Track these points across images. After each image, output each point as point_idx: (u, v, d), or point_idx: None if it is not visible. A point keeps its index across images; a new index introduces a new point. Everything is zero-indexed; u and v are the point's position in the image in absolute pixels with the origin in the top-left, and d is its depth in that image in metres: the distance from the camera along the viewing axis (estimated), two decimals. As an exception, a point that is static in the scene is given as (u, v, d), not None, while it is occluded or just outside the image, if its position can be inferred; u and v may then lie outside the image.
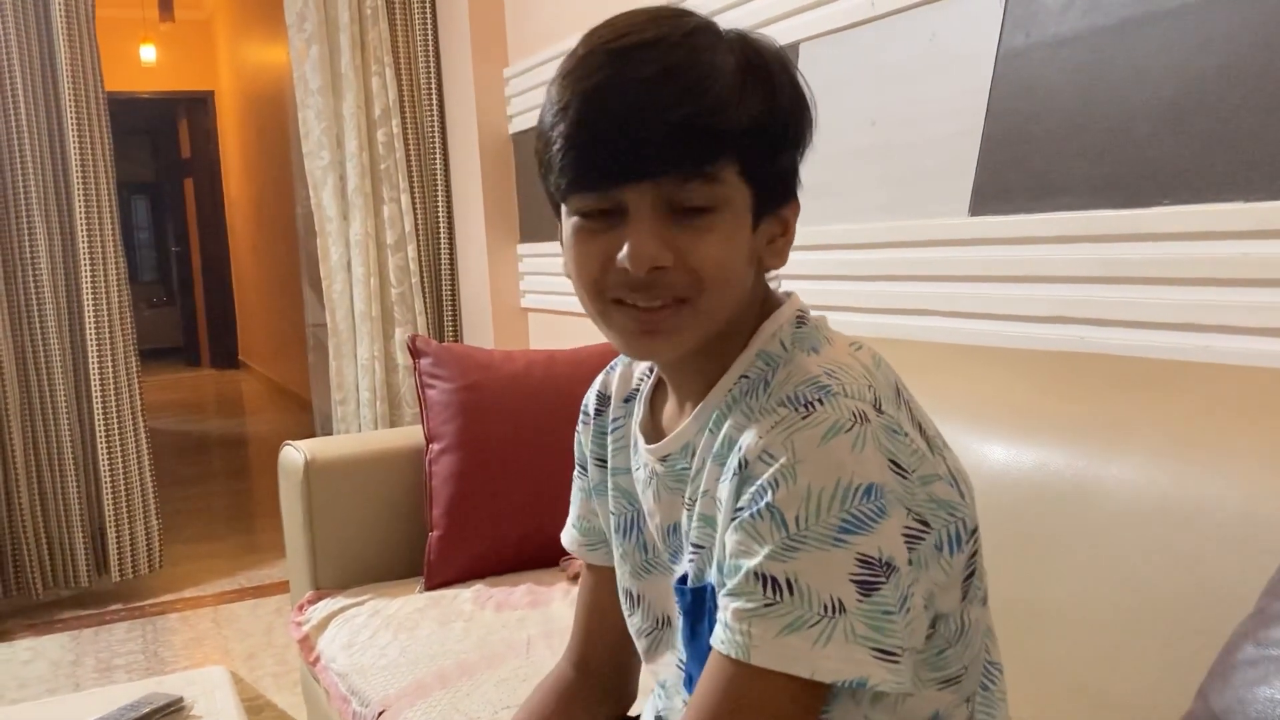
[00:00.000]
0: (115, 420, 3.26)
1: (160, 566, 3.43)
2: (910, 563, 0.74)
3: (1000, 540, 1.19)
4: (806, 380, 0.76)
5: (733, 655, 0.71)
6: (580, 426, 1.04)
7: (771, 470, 0.72)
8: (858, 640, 0.70)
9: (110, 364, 3.24)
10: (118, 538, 3.30)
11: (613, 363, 1.03)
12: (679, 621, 0.87)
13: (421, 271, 3.49)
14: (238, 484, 5.31)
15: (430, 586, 1.93)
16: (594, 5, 2.73)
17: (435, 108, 3.47)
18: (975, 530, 0.81)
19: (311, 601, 1.95)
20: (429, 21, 3.44)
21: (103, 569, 3.38)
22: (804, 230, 1.91)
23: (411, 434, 2.11)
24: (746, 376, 0.82)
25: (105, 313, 3.22)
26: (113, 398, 3.25)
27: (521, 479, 1.98)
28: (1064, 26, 1.46)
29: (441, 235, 3.53)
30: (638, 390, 0.97)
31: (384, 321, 3.47)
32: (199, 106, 9.23)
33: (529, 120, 3.11)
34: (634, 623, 0.96)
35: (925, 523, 0.76)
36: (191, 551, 3.94)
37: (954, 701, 0.82)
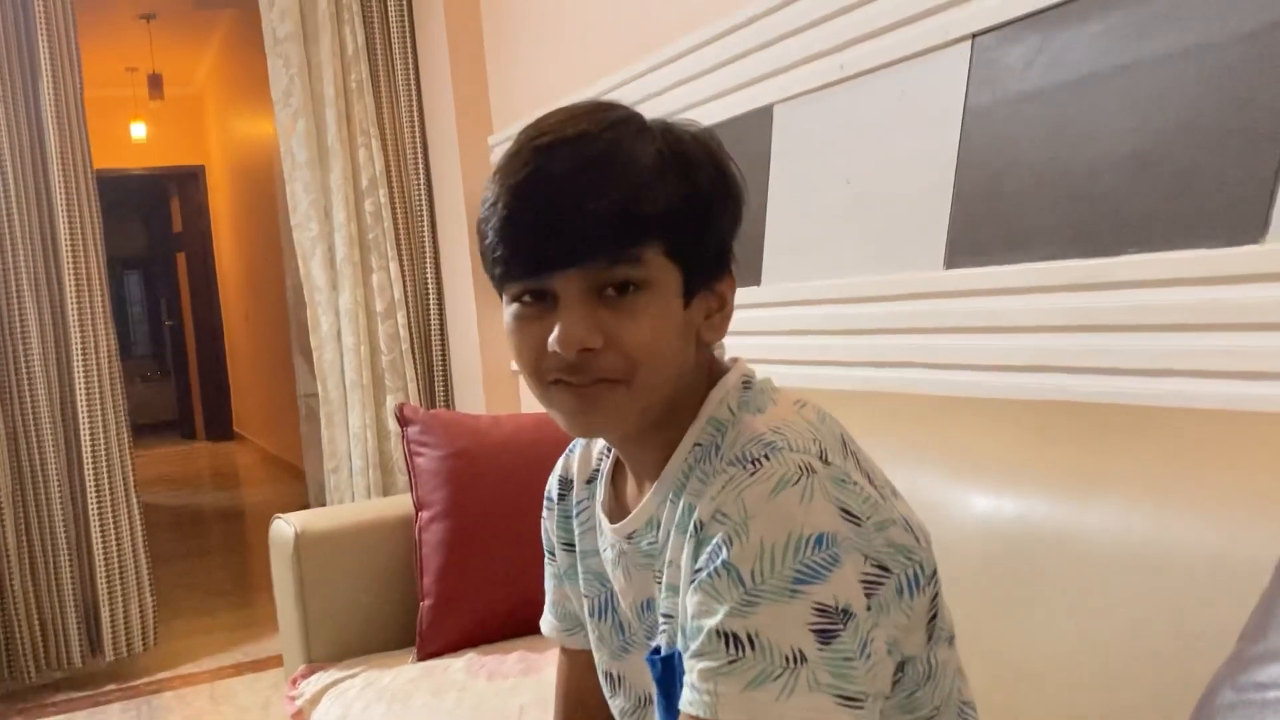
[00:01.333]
0: (108, 496, 3.26)
1: (155, 644, 3.40)
2: (869, 608, 0.75)
3: (983, 590, 1.20)
4: (752, 439, 0.79)
5: (702, 715, 0.73)
6: (545, 513, 1.05)
7: (725, 529, 0.74)
8: (821, 689, 0.71)
9: (102, 439, 3.24)
10: (111, 616, 3.27)
11: (571, 445, 1.04)
12: (655, 695, 0.88)
13: (412, 338, 3.51)
14: (233, 557, 5.28)
15: (423, 656, 1.92)
16: (572, 73, 2.78)
17: (421, 176, 3.51)
18: (934, 573, 0.82)
19: (305, 675, 1.94)
20: (413, 93, 3.50)
21: (96, 649, 3.34)
22: (784, 287, 1.93)
23: (402, 502, 2.11)
24: (700, 444, 0.84)
25: (96, 388, 3.23)
26: (105, 473, 3.25)
27: (512, 544, 1.98)
28: (1027, 83, 1.49)
29: (431, 302, 3.55)
30: (598, 470, 0.99)
31: (375, 389, 3.48)
32: (190, 181, 9.32)
33: (513, 186, 3.15)
34: (616, 704, 0.96)
35: (884, 568, 0.77)
36: (187, 627, 3.91)
37: None
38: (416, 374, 3.52)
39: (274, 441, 8.04)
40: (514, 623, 1.98)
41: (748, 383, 0.87)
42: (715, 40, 2.13)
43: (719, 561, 0.74)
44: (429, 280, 3.54)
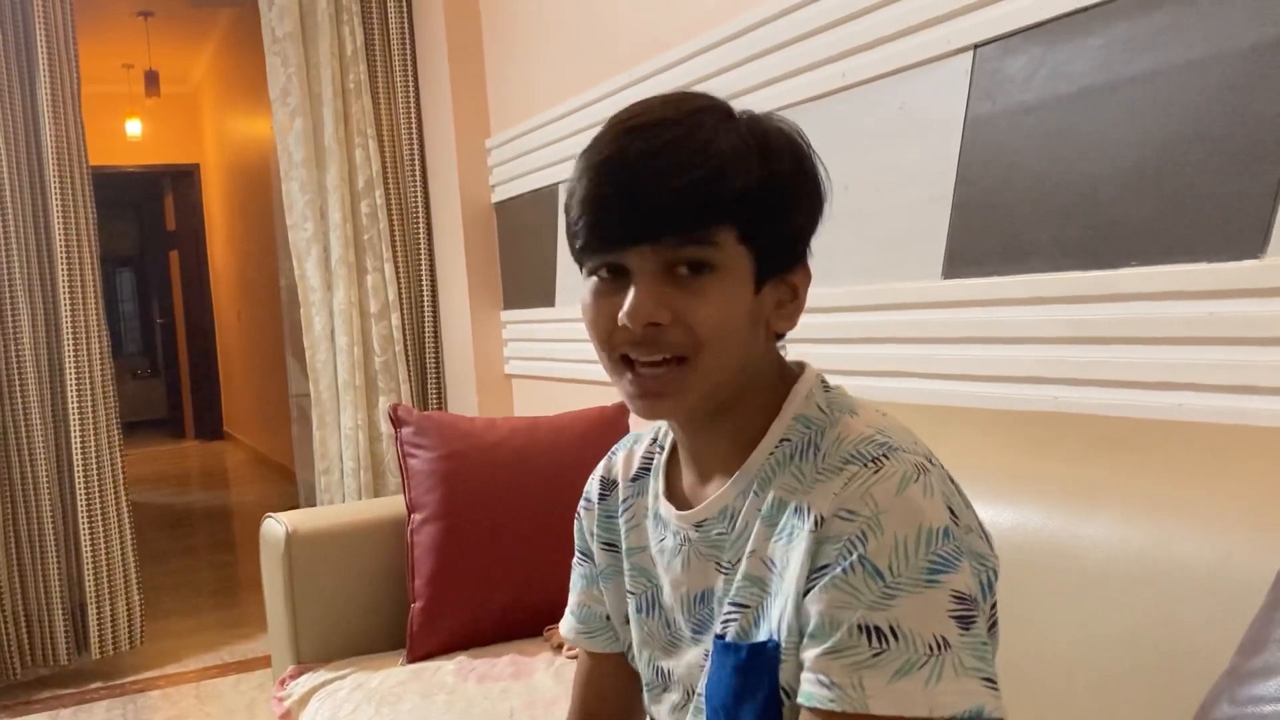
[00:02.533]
0: (97, 494, 3.24)
1: (142, 643, 3.39)
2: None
3: (979, 602, 1.19)
4: (863, 439, 0.81)
5: (847, 710, 0.74)
6: (582, 514, 1.06)
7: (855, 525, 0.76)
8: (967, 672, 0.74)
9: (92, 437, 3.22)
10: (98, 614, 3.25)
11: (614, 448, 1.06)
12: (702, 683, 0.88)
13: (405, 340, 3.50)
14: (221, 557, 5.26)
15: (413, 658, 1.91)
16: (571, 78, 2.78)
17: (418, 178, 3.51)
18: (996, 581, 0.85)
19: (293, 676, 1.93)
20: (411, 94, 3.50)
21: (83, 646, 3.32)
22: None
23: (394, 504, 2.10)
24: (788, 440, 0.86)
25: (88, 386, 3.21)
26: (94, 471, 3.23)
27: (504, 548, 1.98)
28: (1029, 94, 1.49)
29: (425, 304, 3.54)
30: (646, 470, 1.00)
31: (368, 391, 3.47)
32: (184, 179, 9.29)
33: (511, 190, 3.15)
34: (667, 700, 0.95)
35: (971, 568, 0.79)
36: (174, 627, 3.89)
37: None
38: (409, 376, 3.51)
39: (264, 441, 8.01)
40: (505, 626, 1.97)
41: (825, 383, 0.89)
42: (715, 47, 2.13)
43: (854, 558, 0.75)
44: (424, 282, 3.53)
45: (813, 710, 0.76)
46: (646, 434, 1.03)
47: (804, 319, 2.08)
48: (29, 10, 3.14)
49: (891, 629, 0.74)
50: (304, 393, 3.81)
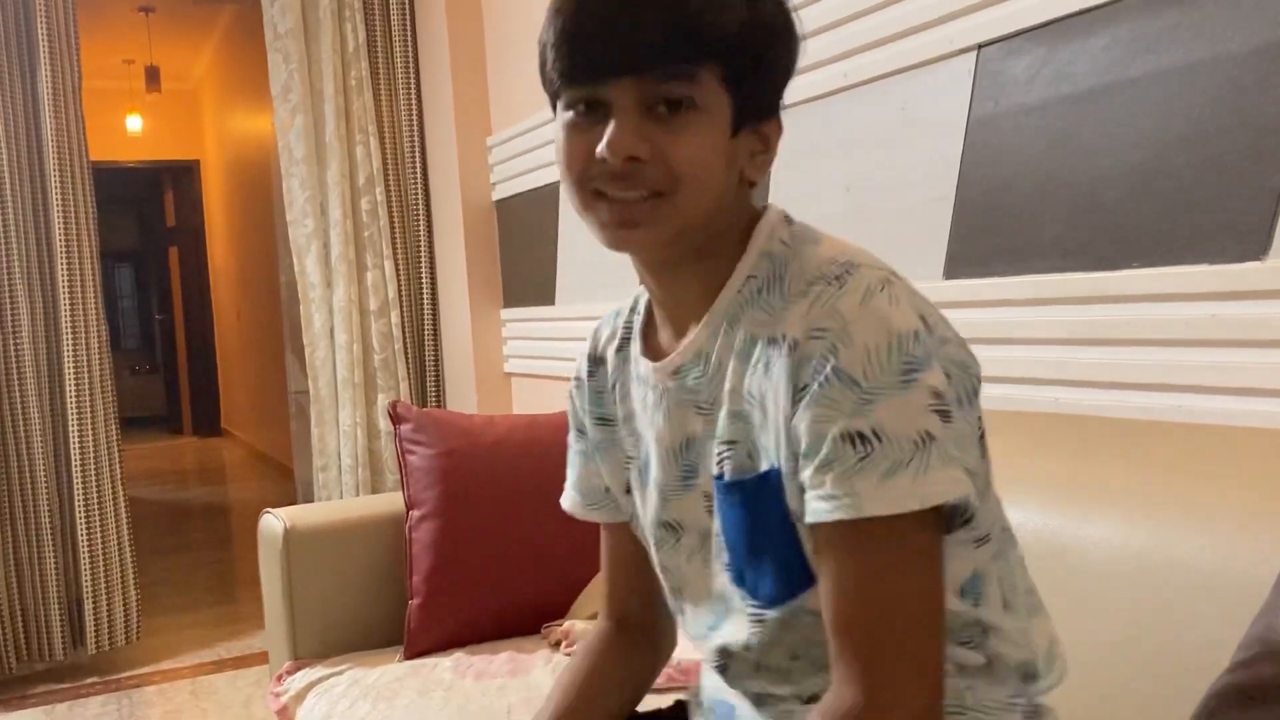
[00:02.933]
0: (94, 489, 3.23)
1: (138, 638, 3.38)
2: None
3: (979, 602, 1.19)
4: (825, 261, 0.82)
5: (845, 517, 0.76)
6: (574, 391, 1.07)
7: (826, 341, 0.78)
8: (953, 461, 0.76)
9: (90, 432, 3.22)
10: (94, 609, 3.25)
11: (598, 324, 1.06)
12: (716, 524, 0.89)
13: (405, 337, 3.50)
14: (219, 553, 5.25)
15: (410, 655, 1.91)
16: (574, 75, 2.77)
17: (419, 176, 3.50)
18: (979, 388, 0.86)
19: (290, 672, 1.92)
20: (413, 92, 3.49)
21: (79, 641, 3.32)
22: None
23: (392, 500, 2.10)
24: (754, 276, 0.87)
25: (86, 381, 3.21)
26: (92, 466, 3.23)
27: (502, 545, 1.97)
28: (1031, 95, 1.49)
29: (425, 301, 3.54)
30: (626, 338, 1.01)
31: (366, 388, 3.46)
32: (184, 175, 9.29)
33: (512, 188, 3.15)
34: (683, 547, 0.96)
35: (947, 375, 0.80)
36: (170, 623, 3.88)
37: (986, 559, 0.86)
38: (408, 373, 3.51)
39: (262, 438, 8.01)
40: (503, 623, 1.96)
41: (788, 219, 0.90)
42: (719, 46, 2.13)
43: (828, 370, 0.77)
44: (423, 279, 3.53)
45: (824, 525, 0.78)
46: (625, 306, 1.04)
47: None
48: (30, 5, 3.13)
49: (874, 432, 0.75)
50: (303, 390, 3.81)
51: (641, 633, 1.10)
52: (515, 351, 3.26)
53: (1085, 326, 1.43)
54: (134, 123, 8.08)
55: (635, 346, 0.98)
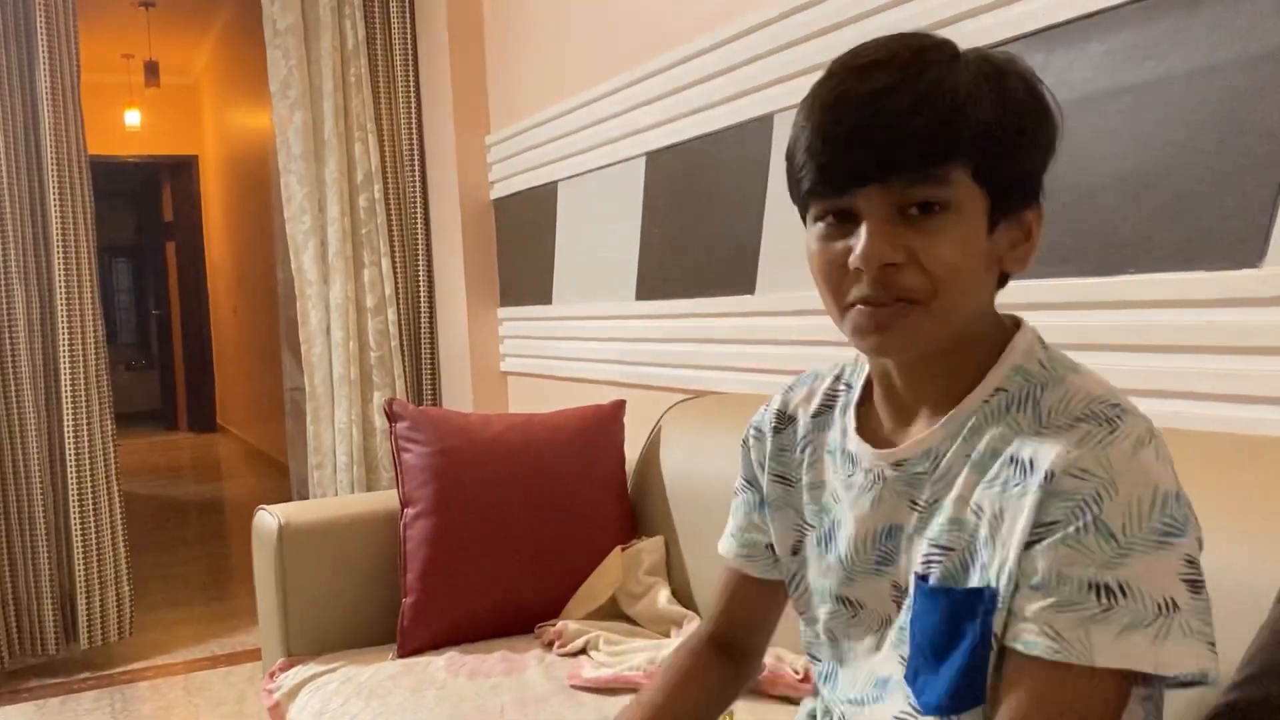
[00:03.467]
0: (89, 484, 3.23)
1: (131, 634, 3.38)
2: None
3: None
4: (1095, 398, 0.80)
5: (1072, 661, 0.75)
6: (751, 442, 1.06)
7: (1089, 485, 0.76)
8: (1194, 635, 0.75)
9: (85, 427, 3.21)
10: (88, 604, 3.24)
11: (791, 384, 1.06)
12: (901, 619, 0.89)
13: (401, 335, 3.50)
14: (212, 549, 5.25)
15: (403, 653, 1.91)
16: (573, 76, 2.78)
17: (417, 174, 3.50)
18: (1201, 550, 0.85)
19: (283, 668, 1.92)
20: (412, 89, 3.49)
21: (71, 636, 3.31)
22: (779, 296, 1.93)
23: (387, 498, 2.10)
24: (1004, 390, 0.85)
25: (82, 375, 3.21)
26: (87, 461, 3.22)
27: (497, 544, 1.97)
28: (1030, 100, 1.49)
29: (422, 299, 3.54)
30: (830, 407, 1.00)
31: (363, 385, 3.46)
32: (183, 170, 9.28)
33: (510, 186, 3.15)
34: (861, 623, 0.95)
35: (1199, 542, 0.79)
36: (163, 618, 3.88)
37: (1147, 710, 0.85)
38: (405, 371, 3.51)
39: (257, 435, 8.00)
40: (497, 622, 1.96)
41: (1043, 341, 0.88)
42: (718, 47, 2.13)
43: (1088, 518, 0.76)
44: (420, 277, 3.53)
45: (1034, 659, 0.77)
46: (827, 371, 1.03)
47: (807, 321, 2.08)
48: (30, -2, 3.13)
49: (1121, 587, 0.74)
50: (298, 386, 3.81)
51: (738, 656, 1.12)
52: (512, 350, 3.26)
53: (1080, 332, 1.43)
54: (133, 117, 8.07)
55: (847, 421, 0.97)
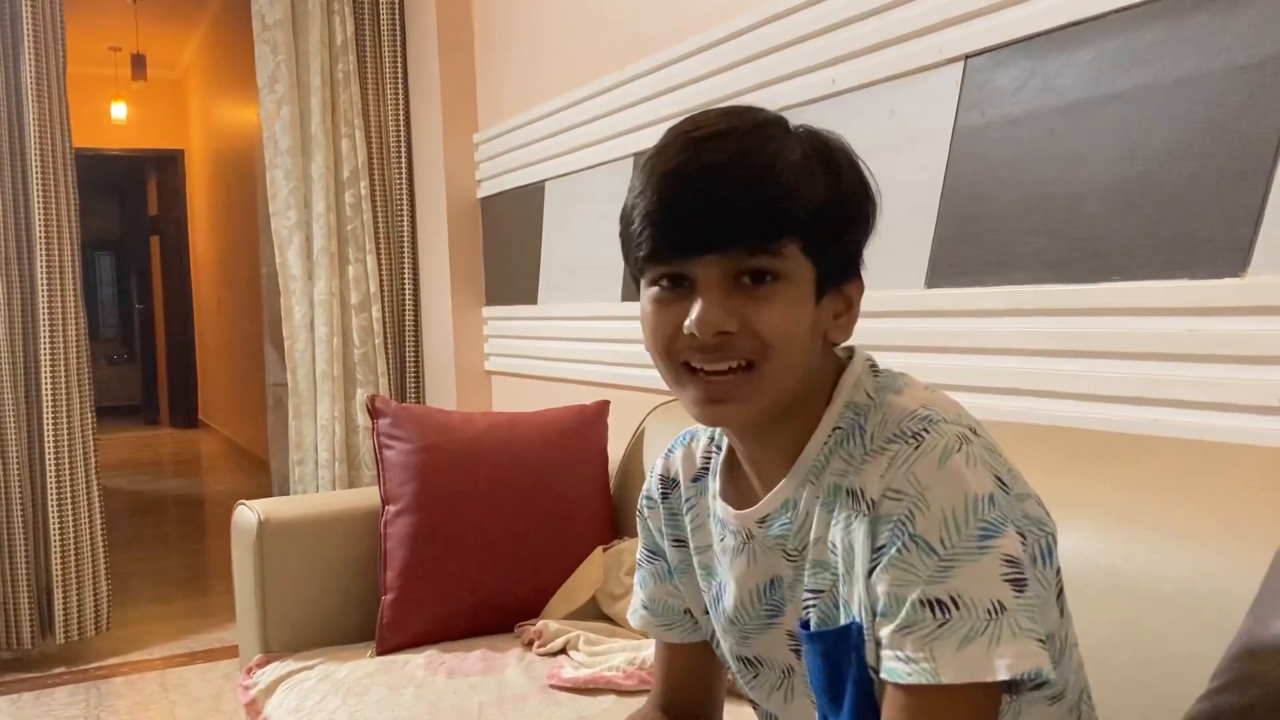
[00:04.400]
0: (68, 478, 3.21)
1: (108, 629, 3.35)
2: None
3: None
4: (905, 415, 0.83)
5: (923, 682, 0.76)
6: (645, 512, 1.07)
7: (903, 504, 0.79)
8: (1024, 633, 0.76)
9: (65, 420, 3.19)
10: (64, 599, 3.22)
11: (669, 447, 1.06)
12: (801, 667, 0.90)
13: (385, 332, 3.48)
14: (192, 545, 5.22)
15: (382, 651, 1.90)
16: (562, 76, 2.77)
17: (404, 171, 3.49)
18: (1055, 547, 0.86)
19: (260, 665, 1.91)
20: (400, 86, 3.48)
21: (47, 631, 3.28)
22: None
23: (368, 495, 2.09)
24: (839, 428, 0.87)
25: (63, 369, 3.18)
26: (66, 455, 3.20)
27: (478, 543, 1.97)
28: (1017, 106, 1.50)
29: (406, 297, 3.53)
30: (706, 469, 1.01)
31: (345, 382, 3.45)
32: (169, 164, 9.23)
33: (498, 185, 3.14)
34: (763, 681, 0.97)
35: (1022, 535, 0.80)
36: (141, 614, 3.86)
37: (1061, 713, 0.87)
38: (388, 368, 3.49)
39: (239, 431, 7.96)
40: (477, 621, 1.96)
41: (874, 367, 0.91)
42: (708, 49, 2.13)
43: (905, 537, 0.78)
44: (406, 275, 3.52)
45: (896, 685, 0.78)
46: (702, 432, 1.04)
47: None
48: (16, -13, 3.11)
49: (953, 599, 0.76)
50: (281, 382, 3.79)
51: None
52: (496, 350, 3.25)
53: (1065, 338, 1.43)
54: (119, 110, 8.01)
55: (715, 485, 0.98)
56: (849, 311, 0.89)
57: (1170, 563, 1.06)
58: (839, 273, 0.87)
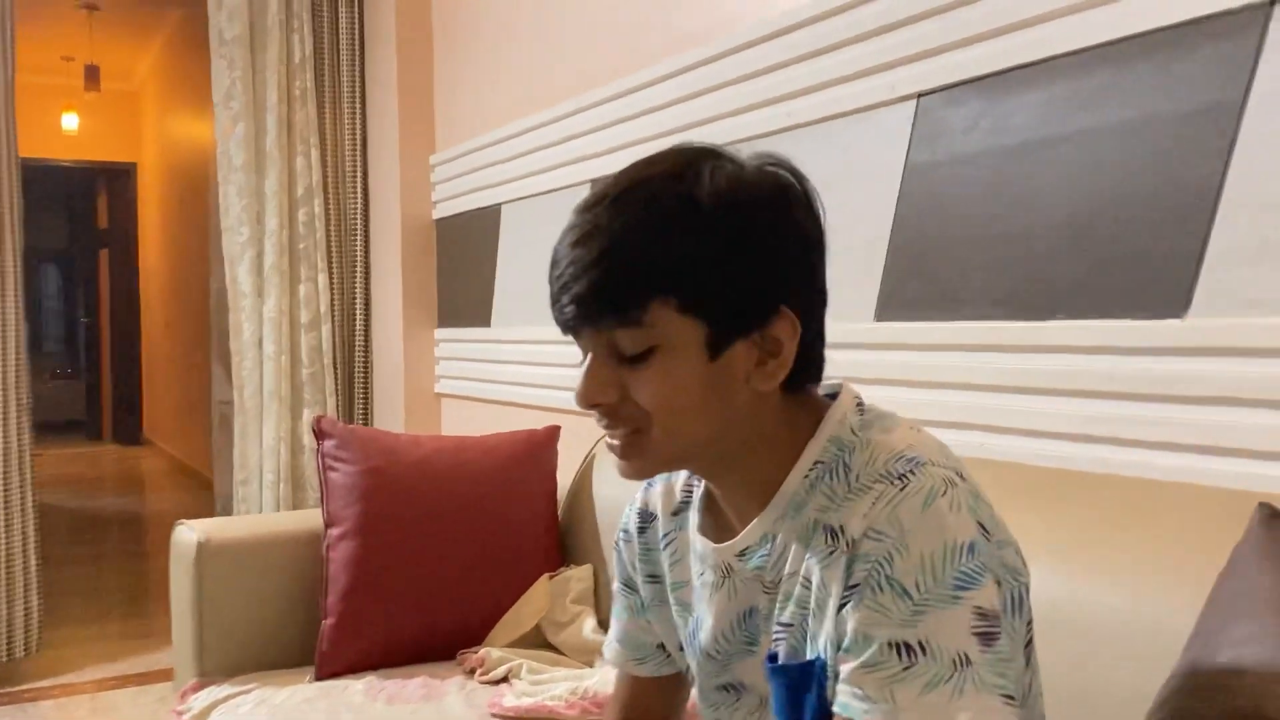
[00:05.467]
0: (2, 493, 3.13)
1: (38, 650, 3.26)
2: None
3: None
4: (893, 455, 0.82)
5: None
6: (621, 546, 1.06)
7: (883, 545, 0.78)
8: (988, 689, 0.75)
9: (1, 434, 3.12)
10: (-7, 617, 3.14)
11: (650, 480, 1.04)
12: (774, 699, 0.89)
13: (335, 352, 3.45)
14: (131, 565, 5.11)
15: (321, 676, 1.86)
16: (520, 100, 2.78)
17: (359, 190, 3.47)
18: (1028, 596, 0.85)
19: (195, 689, 1.87)
20: (358, 105, 3.47)
21: (-25, 650, 3.20)
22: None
23: (311, 517, 2.06)
24: (821, 462, 0.86)
25: (0, 381, 3.11)
26: (1, 469, 3.12)
27: (422, 568, 1.94)
28: (969, 145, 1.52)
29: (358, 317, 3.50)
30: (686, 503, 1.00)
31: (293, 401, 3.40)
32: (120, 178, 9.11)
33: (454, 207, 3.13)
34: (743, 706, 0.96)
35: (998, 583, 0.79)
36: (75, 634, 3.76)
37: None
38: (337, 389, 3.46)
39: (184, 449, 7.83)
40: (418, 648, 1.93)
41: (861, 404, 0.89)
42: (664, 80, 2.15)
43: (882, 577, 0.77)
44: (357, 295, 3.49)
45: None
46: None
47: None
48: (-33, -8, 3.06)
49: (921, 645, 0.76)
50: (228, 400, 3.73)
51: None
52: (447, 372, 3.23)
53: (1010, 374, 1.45)
54: (70, 121, 7.91)
55: (694, 519, 0.97)
56: (777, 355, 0.84)
57: (1110, 599, 1.07)
58: (744, 321, 0.83)
